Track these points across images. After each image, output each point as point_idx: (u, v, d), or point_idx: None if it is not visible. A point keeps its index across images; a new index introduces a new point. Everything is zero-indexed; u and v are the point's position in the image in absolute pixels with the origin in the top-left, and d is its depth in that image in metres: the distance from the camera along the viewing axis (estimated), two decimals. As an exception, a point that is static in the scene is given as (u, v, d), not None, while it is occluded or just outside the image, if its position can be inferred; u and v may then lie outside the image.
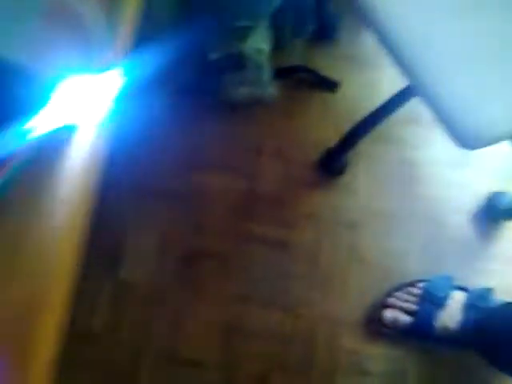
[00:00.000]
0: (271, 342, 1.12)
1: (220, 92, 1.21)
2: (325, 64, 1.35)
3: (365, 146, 1.25)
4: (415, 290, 1.12)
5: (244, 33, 1.12)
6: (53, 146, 0.36)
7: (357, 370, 1.13)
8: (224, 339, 1.11)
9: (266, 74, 1.20)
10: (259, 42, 1.16)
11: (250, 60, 1.15)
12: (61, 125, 0.35)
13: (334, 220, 1.23)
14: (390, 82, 1.31)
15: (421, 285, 1.13)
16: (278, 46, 1.23)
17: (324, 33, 1.34)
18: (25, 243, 0.33)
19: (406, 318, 1.10)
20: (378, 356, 1.15)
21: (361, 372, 1.13)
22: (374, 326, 1.15)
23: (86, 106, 0.36)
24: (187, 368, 1.10)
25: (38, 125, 0.32)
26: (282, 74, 1.29)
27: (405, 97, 1.07)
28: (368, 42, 1.39)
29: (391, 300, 1.13)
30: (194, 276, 1.16)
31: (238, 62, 1.17)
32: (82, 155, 0.37)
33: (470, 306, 1.07)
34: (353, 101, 1.33)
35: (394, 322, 1.11)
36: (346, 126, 1.21)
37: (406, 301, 1.12)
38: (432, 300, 1.09)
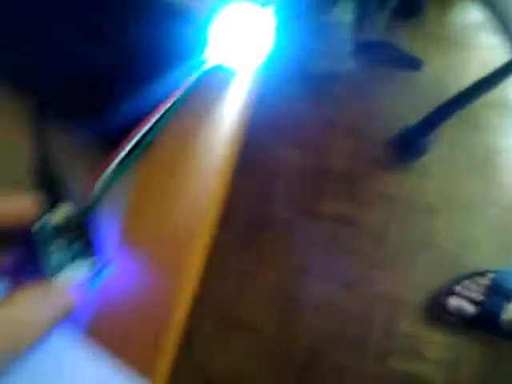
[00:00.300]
0: (327, 317, 1.11)
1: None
2: (408, 42, 1.32)
3: (446, 128, 1.22)
4: (484, 281, 1.09)
5: (330, 2, 1.11)
6: (210, 86, 0.37)
7: (412, 355, 1.11)
8: (281, 308, 1.12)
9: (348, 47, 1.19)
10: (342, 14, 1.15)
11: (332, 32, 1.14)
12: (219, 65, 0.35)
13: (407, 202, 1.21)
14: (477, 64, 1.27)
15: (491, 276, 1.09)
16: (360, 19, 1.21)
17: (408, 10, 1.31)
18: (181, 172, 0.35)
19: (471, 308, 1.07)
20: (436, 343, 1.13)
21: (416, 357, 1.11)
22: (436, 312, 1.12)
23: (244, 46, 0.36)
24: (242, 331, 1.10)
25: (197, 65, 0.32)
26: (364, 48, 1.26)
27: (505, 74, 1.02)
28: (456, 23, 1.35)
29: (458, 288, 1.10)
30: (258, 243, 1.16)
31: (319, 33, 1.16)
32: (235, 99, 0.38)
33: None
34: (436, 82, 1.30)
35: (459, 310, 1.08)
36: (427, 108, 1.18)
37: (474, 290, 1.09)
38: (501, 292, 1.06)
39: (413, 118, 1.21)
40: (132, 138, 0.24)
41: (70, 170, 0.29)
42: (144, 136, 0.25)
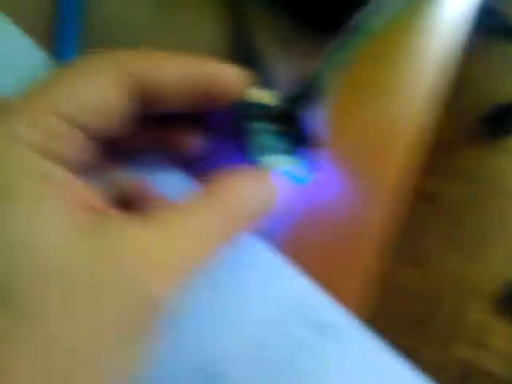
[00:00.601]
0: (396, 295, 1.07)
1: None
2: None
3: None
4: None
5: None
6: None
7: (477, 343, 1.06)
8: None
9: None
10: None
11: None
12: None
13: (490, 183, 1.13)
14: None
15: None
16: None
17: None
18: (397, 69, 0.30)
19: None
20: (504, 335, 1.07)
21: (481, 345, 1.06)
22: (509, 304, 1.06)
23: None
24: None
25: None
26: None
27: None
28: None
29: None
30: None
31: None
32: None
33: None
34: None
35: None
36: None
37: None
38: None
39: (507, 95, 1.12)
40: (352, 22, 0.19)
41: (274, 54, 0.25)
42: (365, 22, 0.20)
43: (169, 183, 0.24)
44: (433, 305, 1.09)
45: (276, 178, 0.21)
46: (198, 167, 0.25)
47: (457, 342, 1.08)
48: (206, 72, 0.19)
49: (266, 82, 0.24)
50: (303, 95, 0.22)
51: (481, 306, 1.10)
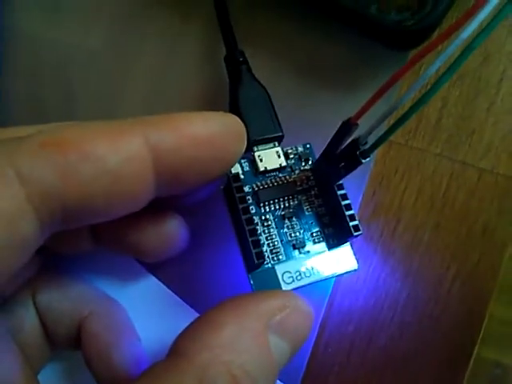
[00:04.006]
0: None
1: None
2: None
3: None
4: None
5: None
6: None
7: (506, 343, 1.04)
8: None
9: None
10: None
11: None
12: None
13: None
14: None
15: None
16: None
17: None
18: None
19: None
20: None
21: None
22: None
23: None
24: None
25: None
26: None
27: None
28: None
29: None
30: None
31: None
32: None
33: None
34: None
35: None
36: None
37: None
38: None
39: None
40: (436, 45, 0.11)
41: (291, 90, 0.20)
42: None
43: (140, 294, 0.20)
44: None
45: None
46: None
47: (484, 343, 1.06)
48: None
49: (273, 134, 0.18)
50: (344, 153, 0.15)
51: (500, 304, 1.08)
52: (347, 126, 0.15)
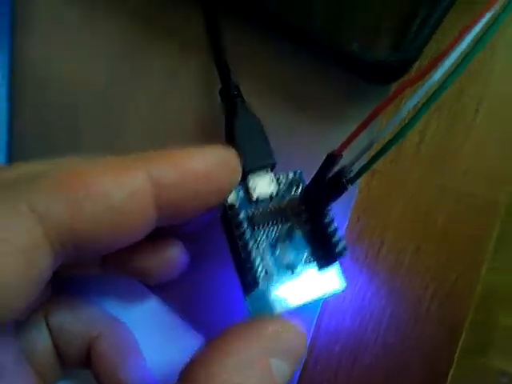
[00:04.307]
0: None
1: None
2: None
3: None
4: None
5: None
6: None
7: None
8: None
9: None
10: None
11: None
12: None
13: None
14: None
15: None
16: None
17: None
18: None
19: None
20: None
21: None
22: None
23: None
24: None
25: None
26: None
27: None
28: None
29: None
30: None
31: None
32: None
33: None
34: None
35: None
36: None
37: None
38: None
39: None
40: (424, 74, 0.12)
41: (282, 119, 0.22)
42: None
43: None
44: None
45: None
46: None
47: (490, 351, 1.07)
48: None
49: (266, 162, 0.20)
50: (331, 182, 0.17)
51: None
52: (332, 158, 0.16)
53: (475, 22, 0.13)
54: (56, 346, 0.18)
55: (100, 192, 0.13)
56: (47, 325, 0.18)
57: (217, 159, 0.16)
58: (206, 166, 0.16)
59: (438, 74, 0.13)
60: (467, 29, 0.13)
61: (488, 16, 0.13)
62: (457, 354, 0.22)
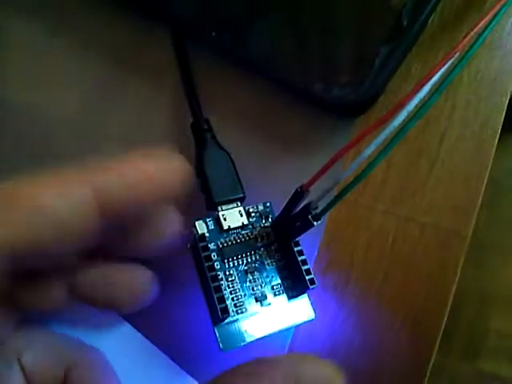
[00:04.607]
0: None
1: None
2: None
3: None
4: None
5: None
6: None
7: (504, 355, 1.07)
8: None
9: None
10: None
11: None
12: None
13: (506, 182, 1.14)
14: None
15: None
16: None
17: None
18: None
19: None
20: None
21: (509, 358, 1.07)
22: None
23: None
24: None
25: None
26: None
27: None
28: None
29: None
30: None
31: None
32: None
33: None
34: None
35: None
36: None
37: None
38: None
39: None
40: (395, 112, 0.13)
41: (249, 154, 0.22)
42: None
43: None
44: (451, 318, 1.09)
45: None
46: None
47: (481, 355, 1.09)
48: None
49: (235, 195, 0.20)
50: (298, 216, 0.18)
51: (502, 317, 1.11)
52: (299, 194, 0.17)
53: (433, 73, 0.14)
54: (30, 382, 0.18)
55: (42, 206, 0.14)
56: (20, 363, 0.18)
57: (157, 162, 0.16)
58: (147, 169, 0.16)
59: (397, 121, 0.13)
60: (425, 79, 0.13)
61: (448, 65, 0.14)
62: (427, 377, 0.23)
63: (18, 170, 0.22)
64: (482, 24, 0.15)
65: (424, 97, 0.14)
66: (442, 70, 0.14)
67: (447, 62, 0.14)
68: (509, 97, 0.24)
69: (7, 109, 0.23)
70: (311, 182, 0.16)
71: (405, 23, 0.21)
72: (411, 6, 0.22)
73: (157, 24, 0.24)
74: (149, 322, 0.21)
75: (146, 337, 0.21)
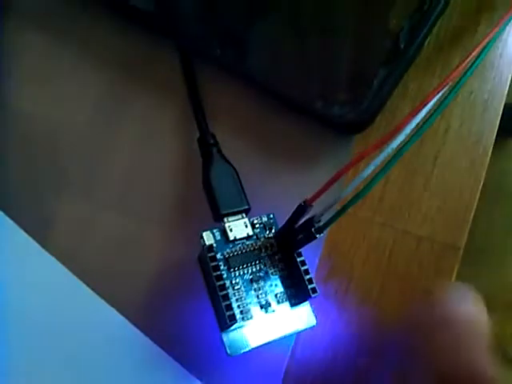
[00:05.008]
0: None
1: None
2: None
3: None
4: None
5: None
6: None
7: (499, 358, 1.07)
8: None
9: None
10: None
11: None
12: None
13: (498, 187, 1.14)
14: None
15: None
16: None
17: None
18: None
19: None
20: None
21: (504, 359, 1.06)
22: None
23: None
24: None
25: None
26: None
27: None
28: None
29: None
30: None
31: None
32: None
33: None
34: None
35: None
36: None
37: None
38: None
39: None
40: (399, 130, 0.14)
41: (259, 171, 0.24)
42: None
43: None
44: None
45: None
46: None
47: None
48: None
49: (240, 207, 0.22)
50: (301, 229, 0.19)
51: (496, 318, 1.11)
52: (303, 208, 0.18)
53: (429, 99, 0.15)
54: None
55: None
56: None
57: None
58: None
59: (395, 143, 0.15)
60: (422, 104, 0.15)
61: (441, 93, 0.15)
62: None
63: (23, 179, 0.24)
64: (475, 53, 0.17)
65: (420, 120, 0.15)
66: (438, 95, 0.15)
67: (442, 88, 0.15)
68: (500, 116, 0.25)
69: (15, 116, 0.24)
70: (314, 198, 0.18)
71: (402, 46, 0.23)
72: (408, 29, 0.23)
73: (164, 40, 0.25)
74: (157, 326, 0.22)
75: (154, 341, 0.22)
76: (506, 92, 0.26)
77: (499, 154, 1.12)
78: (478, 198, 0.24)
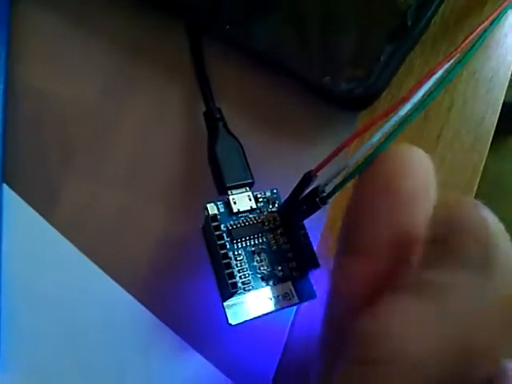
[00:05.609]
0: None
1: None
2: None
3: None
4: None
5: None
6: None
7: None
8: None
9: None
10: None
11: None
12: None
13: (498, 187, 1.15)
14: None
15: None
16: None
17: None
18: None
19: None
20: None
21: None
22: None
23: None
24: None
25: None
26: None
27: None
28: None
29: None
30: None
31: None
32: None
33: None
34: None
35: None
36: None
37: None
38: None
39: None
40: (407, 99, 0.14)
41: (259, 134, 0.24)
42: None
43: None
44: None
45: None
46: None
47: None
48: None
49: (245, 181, 0.22)
50: (306, 199, 0.19)
51: None
52: (308, 178, 0.18)
53: (438, 68, 0.15)
54: None
55: None
56: None
57: None
58: None
59: (402, 112, 0.15)
60: (430, 73, 0.15)
61: (450, 63, 0.15)
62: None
63: (31, 156, 0.24)
64: (481, 28, 0.17)
65: (426, 92, 0.15)
66: (444, 67, 0.15)
67: (449, 60, 0.15)
68: (504, 95, 0.26)
69: (25, 93, 0.24)
70: (319, 168, 0.18)
71: (409, 23, 0.23)
72: (415, 7, 0.23)
73: (173, 17, 0.25)
74: (159, 300, 0.23)
75: (155, 314, 0.23)
76: (510, 72, 0.26)
77: (499, 154, 1.13)
78: (479, 177, 0.25)
